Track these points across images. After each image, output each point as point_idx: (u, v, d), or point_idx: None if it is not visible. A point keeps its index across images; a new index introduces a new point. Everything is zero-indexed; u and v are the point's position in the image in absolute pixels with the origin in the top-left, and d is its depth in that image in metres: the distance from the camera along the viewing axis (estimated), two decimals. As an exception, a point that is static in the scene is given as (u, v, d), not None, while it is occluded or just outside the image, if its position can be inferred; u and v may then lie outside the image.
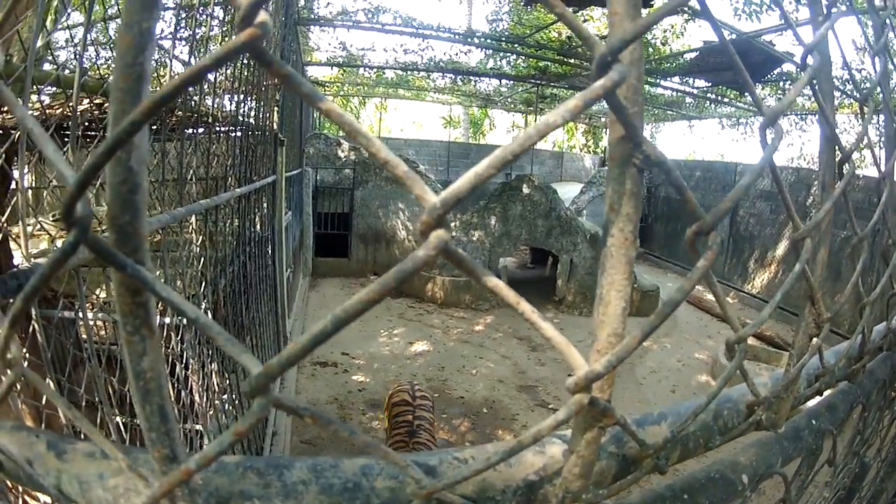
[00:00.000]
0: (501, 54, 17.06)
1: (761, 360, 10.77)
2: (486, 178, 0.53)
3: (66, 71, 2.76)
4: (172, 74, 3.51)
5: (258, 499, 0.73)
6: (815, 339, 1.04)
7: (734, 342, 0.86)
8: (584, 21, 14.04)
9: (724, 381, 0.87)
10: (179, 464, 0.58)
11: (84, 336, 2.52)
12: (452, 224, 16.63)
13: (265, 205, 6.62)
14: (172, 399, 3.18)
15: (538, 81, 19.33)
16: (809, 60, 0.88)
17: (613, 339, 0.68)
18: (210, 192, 3.94)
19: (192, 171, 3.80)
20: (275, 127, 7.26)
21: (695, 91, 18.34)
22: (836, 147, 1.04)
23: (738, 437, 0.99)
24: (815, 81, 0.92)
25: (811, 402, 1.16)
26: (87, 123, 3.02)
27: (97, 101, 2.99)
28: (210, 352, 3.99)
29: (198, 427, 3.66)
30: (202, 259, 3.89)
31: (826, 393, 1.22)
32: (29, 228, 2.32)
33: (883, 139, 1.61)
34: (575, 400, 0.65)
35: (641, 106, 0.63)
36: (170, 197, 3.44)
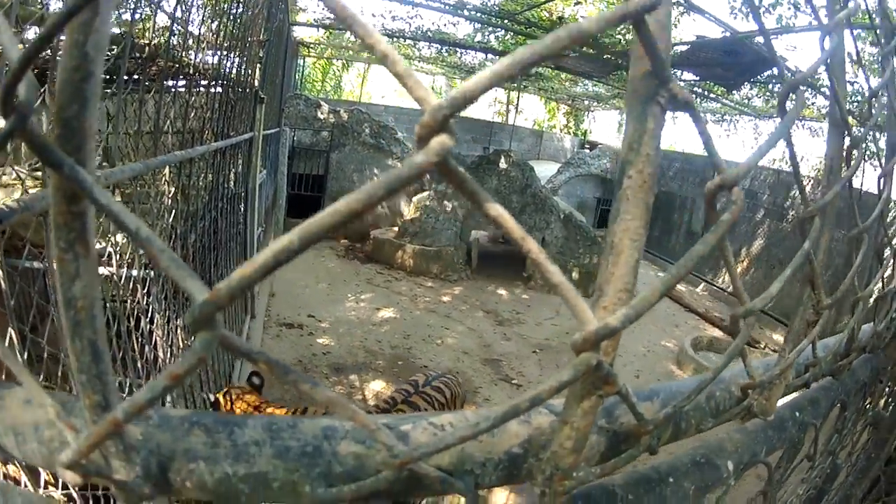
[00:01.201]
0: (490, 28, 16.97)
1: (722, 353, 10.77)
2: (505, 77, 0.44)
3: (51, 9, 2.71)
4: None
5: (204, 460, 0.64)
6: (815, 327, 1.02)
7: (742, 315, 0.80)
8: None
9: (729, 357, 0.81)
10: (112, 413, 0.51)
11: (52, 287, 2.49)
12: (427, 192, 16.66)
13: (240, 162, 6.57)
14: (137, 353, 3.17)
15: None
16: (826, 43, 0.86)
17: (623, 294, 0.59)
18: (186, 146, 3.90)
19: (168, 123, 3.75)
20: (256, 84, 7.19)
21: (681, 83, 18.35)
22: (846, 132, 1.03)
23: (726, 420, 0.94)
24: (829, 62, 0.91)
25: (792, 396, 1.14)
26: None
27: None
28: (176, 306, 3.96)
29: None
30: (173, 212, 3.86)
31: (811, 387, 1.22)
32: (4, 178, 2.29)
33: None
34: (581, 360, 0.57)
35: (670, 44, 0.56)
36: (144, 147, 3.40)
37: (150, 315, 3.42)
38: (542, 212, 15.45)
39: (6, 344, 2.10)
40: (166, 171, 3.86)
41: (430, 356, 9.91)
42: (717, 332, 11.03)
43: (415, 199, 16.57)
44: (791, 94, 0.78)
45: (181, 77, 4.01)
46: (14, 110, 0.42)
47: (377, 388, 8.53)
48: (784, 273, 0.85)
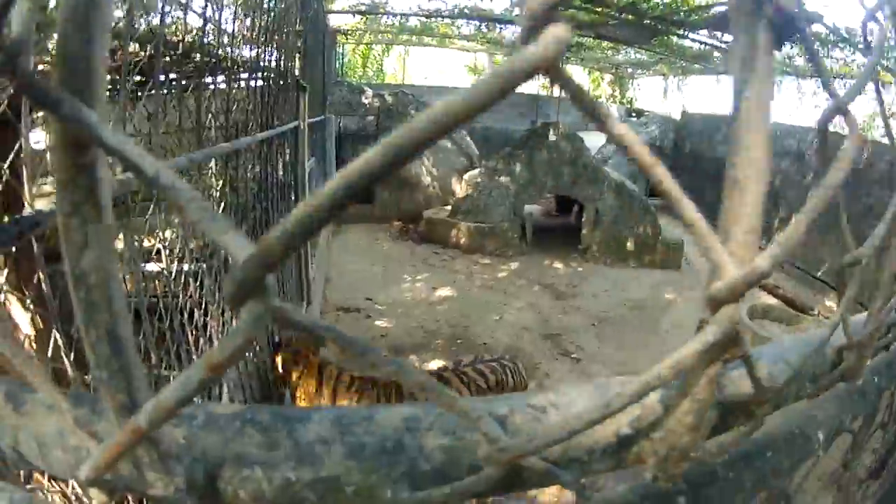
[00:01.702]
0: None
1: (783, 322, 10.46)
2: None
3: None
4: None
5: (260, 465, 0.53)
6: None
7: (847, 263, 0.74)
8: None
9: (844, 309, 0.76)
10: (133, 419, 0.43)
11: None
12: (478, 170, 16.59)
13: (288, 151, 6.60)
14: (192, 345, 3.20)
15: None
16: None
17: (752, 236, 0.49)
18: (230, 139, 3.93)
19: (210, 117, 3.77)
20: (297, 73, 7.22)
21: (723, 45, 18.04)
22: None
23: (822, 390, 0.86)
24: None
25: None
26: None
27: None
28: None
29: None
30: (222, 205, 3.89)
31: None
32: (46, 187, 2.31)
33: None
34: (724, 314, 0.48)
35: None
36: (188, 143, 3.43)
37: (203, 307, 3.45)
38: (594, 182, 15.31)
39: (51, 347, 2.12)
40: (213, 164, 3.89)
41: (489, 333, 9.89)
42: (772, 300, 10.83)
43: (466, 176, 16.54)
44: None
45: (220, 72, 4.03)
46: (2, 48, 0.36)
47: (437, 367, 8.55)
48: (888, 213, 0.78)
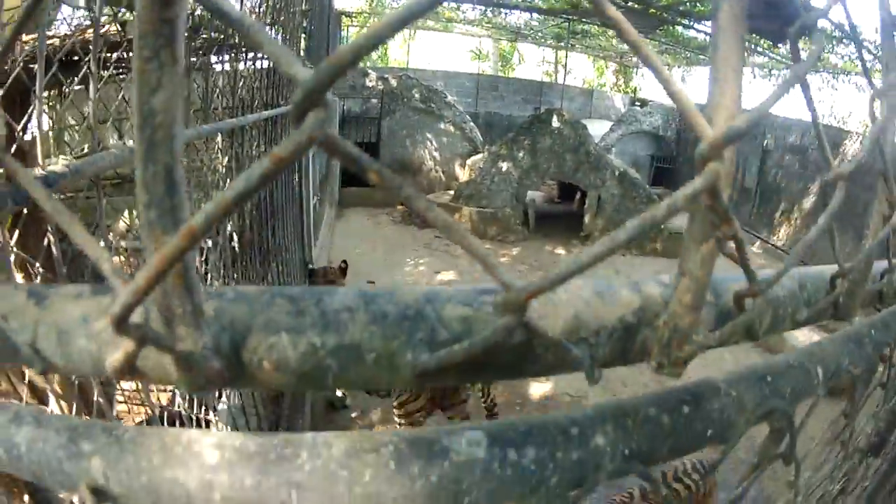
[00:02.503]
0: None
1: None
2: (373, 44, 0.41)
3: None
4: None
5: (287, 331, 0.52)
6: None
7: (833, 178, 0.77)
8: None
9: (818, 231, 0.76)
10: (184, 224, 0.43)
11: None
12: (481, 155, 16.64)
13: (291, 132, 6.61)
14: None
15: (569, 17, 19.06)
16: None
17: (730, 111, 0.54)
18: (236, 116, 3.95)
19: (217, 94, 3.79)
20: (301, 54, 7.22)
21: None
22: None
23: (818, 319, 0.87)
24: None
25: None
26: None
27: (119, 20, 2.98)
28: (235, 274, 4.02)
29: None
30: (228, 181, 3.90)
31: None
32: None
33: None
34: (710, 169, 0.52)
35: None
36: (195, 119, 3.45)
37: (208, 281, 3.47)
38: (596, 170, 15.33)
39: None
40: (219, 140, 3.91)
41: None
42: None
43: (469, 161, 16.58)
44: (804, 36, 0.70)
45: (227, 50, 4.04)
46: None
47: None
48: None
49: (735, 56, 0.54)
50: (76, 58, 2.46)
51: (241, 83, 4.27)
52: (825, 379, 0.79)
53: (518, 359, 0.59)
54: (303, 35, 7.47)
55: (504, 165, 15.53)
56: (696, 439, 0.64)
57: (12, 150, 2.02)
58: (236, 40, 3.93)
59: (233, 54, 4.14)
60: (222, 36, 3.65)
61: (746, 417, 0.67)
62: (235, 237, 4.16)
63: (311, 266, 6.50)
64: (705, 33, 18.18)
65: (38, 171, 1.64)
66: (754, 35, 16.07)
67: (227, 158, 4.00)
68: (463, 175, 16.72)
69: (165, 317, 0.49)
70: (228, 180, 3.93)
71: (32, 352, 0.54)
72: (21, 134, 2.05)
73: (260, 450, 0.51)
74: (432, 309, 0.57)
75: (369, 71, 17.95)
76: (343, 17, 21.45)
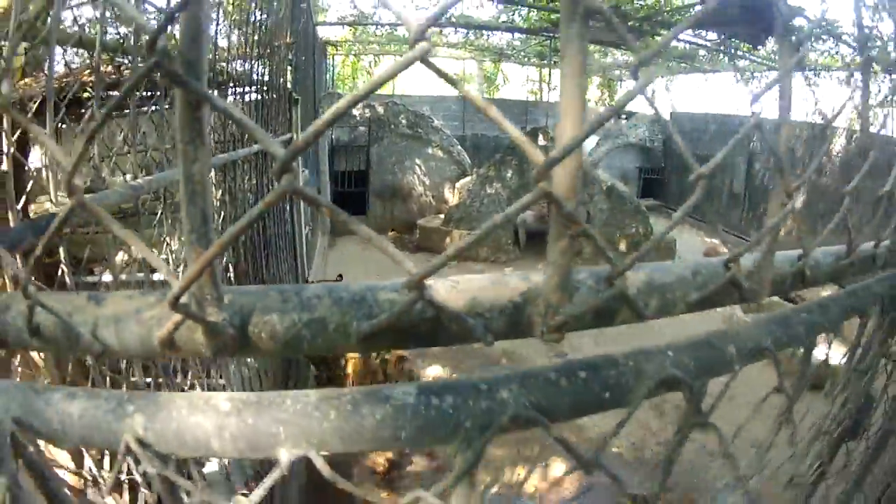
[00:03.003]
0: (513, 7, 17.02)
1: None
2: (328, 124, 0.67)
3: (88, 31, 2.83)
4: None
5: (276, 312, 0.79)
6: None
7: (697, 177, 0.93)
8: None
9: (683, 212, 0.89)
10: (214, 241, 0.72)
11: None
12: (469, 178, 16.78)
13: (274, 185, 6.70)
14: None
15: (550, 34, 19.21)
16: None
17: (571, 149, 0.76)
18: (228, 150, 4.05)
19: (210, 129, 3.88)
20: (289, 86, 7.33)
21: (708, 44, 18.18)
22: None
23: (717, 304, 0.97)
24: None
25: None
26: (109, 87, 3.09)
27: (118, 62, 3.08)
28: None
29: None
30: (222, 214, 3.99)
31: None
32: (48, 206, 2.42)
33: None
34: (540, 187, 0.76)
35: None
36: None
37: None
38: (584, 185, 15.40)
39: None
40: (212, 175, 3.99)
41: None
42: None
43: (458, 184, 16.70)
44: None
45: (215, 85, 4.13)
46: (157, 52, 0.63)
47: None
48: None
49: (577, 103, 0.77)
50: (68, 97, 2.56)
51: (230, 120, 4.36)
52: (739, 356, 0.91)
53: (432, 330, 0.83)
54: (289, 67, 7.57)
55: (493, 187, 15.66)
56: (594, 400, 0.82)
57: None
58: (224, 77, 4.03)
59: (223, 91, 4.23)
60: (212, 74, 3.74)
61: (646, 384, 0.83)
62: (231, 268, 4.25)
63: (309, 280, 6.73)
64: (686, 42, 18.34)
65: (51, 207, 1.74)
66: (734, 39, 16.24)
67: (220, 192, 4.09)
68: (453, 198, 16.85)
69: (198, 301, 0.75)
70: (223, 213, 4.02)
71: (93, 338, 0.81)
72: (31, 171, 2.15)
73: (258, 399, 0.75)
74: (371, 295, 0.82)
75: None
76: (328, 46, 21.58)
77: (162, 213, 3.02)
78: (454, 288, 0.85)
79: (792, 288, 1.14)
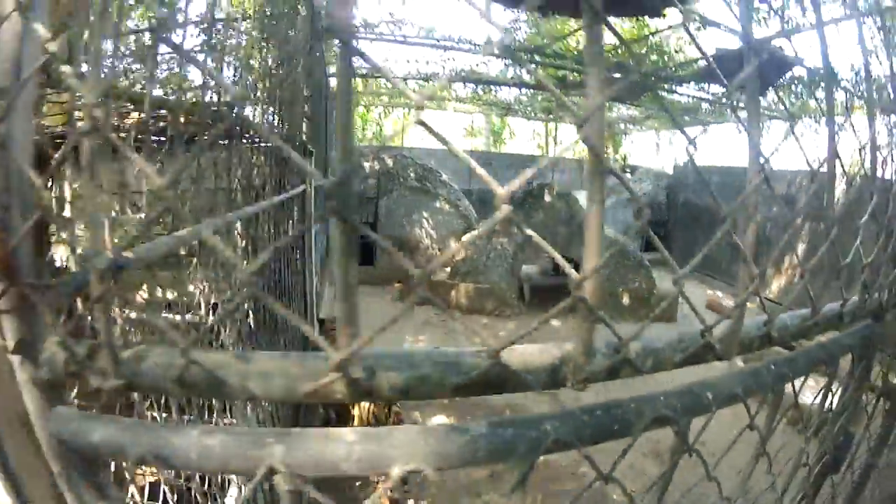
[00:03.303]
0: (519, 63, 17.25)
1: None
2: None
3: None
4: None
5: (395, 370, 1.05)
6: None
7: (676, 279, 1.23)
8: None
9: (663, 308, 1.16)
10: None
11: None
12: (474, 232, 16.80)
13: (295, 213, 6.83)
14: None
15: (558, 90, 19.22)
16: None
17: (593, 263, 1.10)
18: (251, 201, 4.18)
19: (236, 181, 4.03)
20: (304, 138, 7.47)
21: (710, 96, 18.38)
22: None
23: (697, 362, 1.29)
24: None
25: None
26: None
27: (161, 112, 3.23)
28: (251, 345, 4.21)
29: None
30: (245, 262, 4.10)
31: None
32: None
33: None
34: (501, 212, 1.05)
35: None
36: (216, 204, 3.67)
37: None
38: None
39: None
40: (238, 226, 4.13)
41: (491, 389, 10.01)
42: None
43: (464, 238, 16.83)
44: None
45: (242, 137, 4.27)
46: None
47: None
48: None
49: (596, 240, 1.11)
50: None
51: (255, 171, 4.51)
52: (716, 400, 1.23)
53: (500, 382, 1.08)
54: (304, 120, 7.72)
55: (498, 242, 15.78)
56: (607, 431, 1.11)
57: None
58: (249, 132, 4.17)
59: (246, 143, 4.36)
60: (238, 127, 3.88)
61: (644, 421, 1.13)
62: (250, 316, 4.37)
63: (321, 317, 7.00)
64: (688, 95, 18.55)
65: (108, 255, 1.88)
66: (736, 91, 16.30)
67: (243, 242, 4.23)
68: (459, 252, 16.98)
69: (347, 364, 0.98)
70: (245, 262, 4.13)
71: (241, 388, 1.01)
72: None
73: (376, 433, 0.98)
74: (462, 359, 1.07)
75: (366, 151, 18.25)
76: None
77: (197, 260, 3.16)
78: (514, 353, 1.10)
79: (760, 347, 1.44)
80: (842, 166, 1.53)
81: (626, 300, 15.21)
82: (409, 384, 1.04)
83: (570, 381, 1.13)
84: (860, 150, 1.78)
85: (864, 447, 2.15)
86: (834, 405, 1.92)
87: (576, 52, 14.79)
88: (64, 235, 2.31)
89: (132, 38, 4.97)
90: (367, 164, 17.91)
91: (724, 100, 18.35)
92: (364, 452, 0.96)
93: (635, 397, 1.17)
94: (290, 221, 6.42)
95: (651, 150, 29.84)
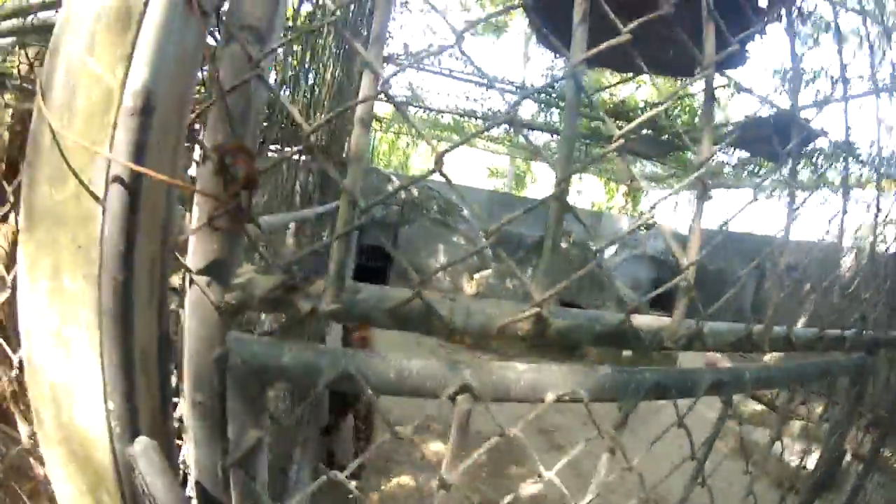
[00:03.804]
0: (554, 109, 17.46)
1: (767, 426, 10.79)
2: None
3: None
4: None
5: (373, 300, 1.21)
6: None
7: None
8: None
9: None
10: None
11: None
12: (489, 270, 17.04)
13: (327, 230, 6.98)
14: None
15: (587, 141, 19.42)
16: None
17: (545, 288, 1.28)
18: (306, 205, 4.43)
19: (297, 186, 4.27)
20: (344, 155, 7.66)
21: (734, 162, 18.50)
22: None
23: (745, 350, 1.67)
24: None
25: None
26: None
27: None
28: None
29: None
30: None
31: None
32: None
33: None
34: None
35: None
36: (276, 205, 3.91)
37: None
38: (599, 290, 15.74)
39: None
40: (292, 226, 4.38)
41: (487, 423, 10.13)
42: (759, 406, 11.27)
43: (476, 275, 16.96)
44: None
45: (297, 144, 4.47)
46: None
47: (436, 448, 8.94)
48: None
49: None
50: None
51: (310, 178, 4.76)
52: (752, 381, 1.60)
53: (625, 337, 1.36)
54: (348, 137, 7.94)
55: (510, 283, 15.95)
56: (683, 386, 1.43)
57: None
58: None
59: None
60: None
61: (704, 384, 1.46)
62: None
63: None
64: (712, 159, 18.59)
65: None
66: (759, 158, 16.50)
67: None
68: (469, 288, 17.08)
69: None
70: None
71: (448, 321, 1.23)
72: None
73: (538, 367, 1.24)
74: (603, 316, 1.38)
75: (392, 178, 18.46)
76: (374, 120, 21.90)
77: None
78: (636, 319, 1.39)
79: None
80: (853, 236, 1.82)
81: (628, 352, 15.35)
82: (569, 329, 1.29)
83: (667, 342, 1.43)
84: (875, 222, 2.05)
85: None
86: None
87: (610, 104, 14.98)
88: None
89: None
90: (391, 189, 18.06)
91: (746, 165, 18.52)
92: (529, 380, 1.18)
93: (700, 368, 1.48)
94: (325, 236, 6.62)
95: (669, 208, 29.88)
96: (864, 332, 2.01)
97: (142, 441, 1.04)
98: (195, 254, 1.09)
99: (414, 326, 1.22)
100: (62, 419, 1.04)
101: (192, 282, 1.10)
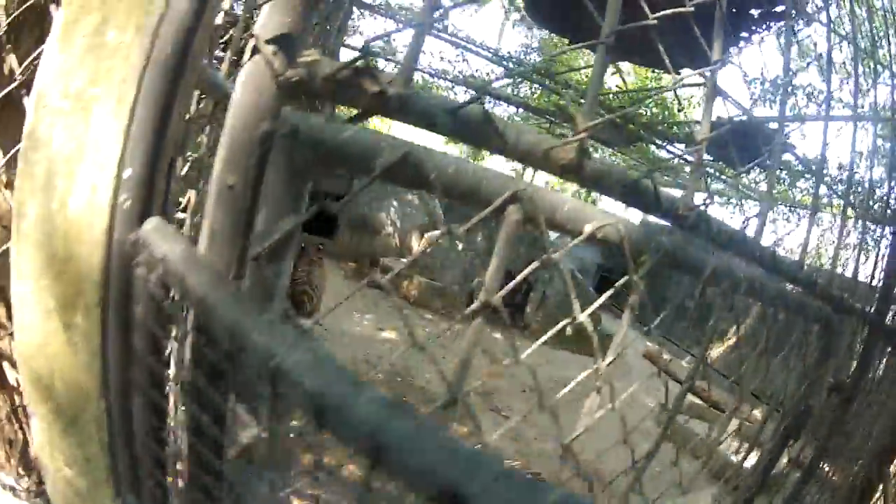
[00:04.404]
0: (524, 83, 17.34)
1: (706, 420, 11.05)
2: None
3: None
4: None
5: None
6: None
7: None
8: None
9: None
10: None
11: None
12: (439, 231, 16.89)
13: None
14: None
15: (552, 119, 19.15)
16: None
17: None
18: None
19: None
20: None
21: (691, 160, 18.35)
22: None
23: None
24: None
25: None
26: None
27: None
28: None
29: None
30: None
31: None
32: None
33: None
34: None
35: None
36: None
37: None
38: (546, 266, 15.77)
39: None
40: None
41: (426, 380, 10.25)
42: (698, 400, 11.51)
43: (427, 234, 16.94)
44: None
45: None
46: None
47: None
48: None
49: None
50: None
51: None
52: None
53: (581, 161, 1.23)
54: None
55: (460, 246, 15.93)
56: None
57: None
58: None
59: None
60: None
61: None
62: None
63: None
64: (677, 155, 18.63)
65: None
66: (720, 163, 16.59)
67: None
68: (417, 246, 17.00)
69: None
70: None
71: (503, 133, 1.17)
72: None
73: (583, 203, 1.24)
74: None
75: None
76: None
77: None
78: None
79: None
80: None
81: (569, 331, 15.47)
82: (601, 173, 1.27)
83: (682, 210, 1.40)
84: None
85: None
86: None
87: (586, 85, 14.96)
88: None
89: None
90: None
91: (708, 168, 18.58)
92: (574, 207, 1.19)
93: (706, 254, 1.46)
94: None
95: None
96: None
97: (154, 220, 1.00)
98: (265, 25, 0.99)
99: (471, 133, 1.16)
100: (51, 207, 1.02)
101: (254, 51, 1.00)
